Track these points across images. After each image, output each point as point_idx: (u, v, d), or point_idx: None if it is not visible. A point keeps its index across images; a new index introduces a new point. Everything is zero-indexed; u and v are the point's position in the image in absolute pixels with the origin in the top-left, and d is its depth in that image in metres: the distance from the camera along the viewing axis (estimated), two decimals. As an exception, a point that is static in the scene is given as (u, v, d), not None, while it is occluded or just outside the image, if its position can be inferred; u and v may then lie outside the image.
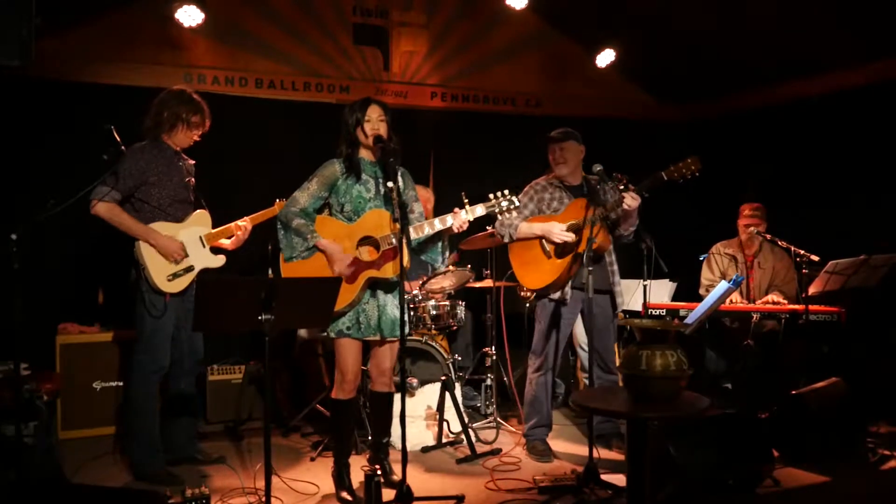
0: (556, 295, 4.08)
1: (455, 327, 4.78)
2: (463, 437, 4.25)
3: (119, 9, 4.94)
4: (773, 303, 4.77)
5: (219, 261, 3.87)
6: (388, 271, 3.41)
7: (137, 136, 3.78)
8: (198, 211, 3.89)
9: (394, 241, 3.36)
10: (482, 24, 5.96)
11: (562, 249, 4.03)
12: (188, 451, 3.95)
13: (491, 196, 3.50)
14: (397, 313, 3.47)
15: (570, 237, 3.96)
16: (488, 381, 4.84)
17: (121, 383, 4.46)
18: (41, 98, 4.69)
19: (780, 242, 4.72)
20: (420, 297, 4.61)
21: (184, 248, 3.74)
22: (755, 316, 4.70)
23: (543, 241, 4.09)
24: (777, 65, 5.54)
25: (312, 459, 4.10)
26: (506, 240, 4.18)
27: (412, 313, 4.54)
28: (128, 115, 3.84)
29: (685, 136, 6.41)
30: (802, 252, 4.45)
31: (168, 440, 3.87)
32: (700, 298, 4.89)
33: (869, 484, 3.67)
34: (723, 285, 4.09)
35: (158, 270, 3.67)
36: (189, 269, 3.75)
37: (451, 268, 4.57)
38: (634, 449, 2.95)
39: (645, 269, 4.33)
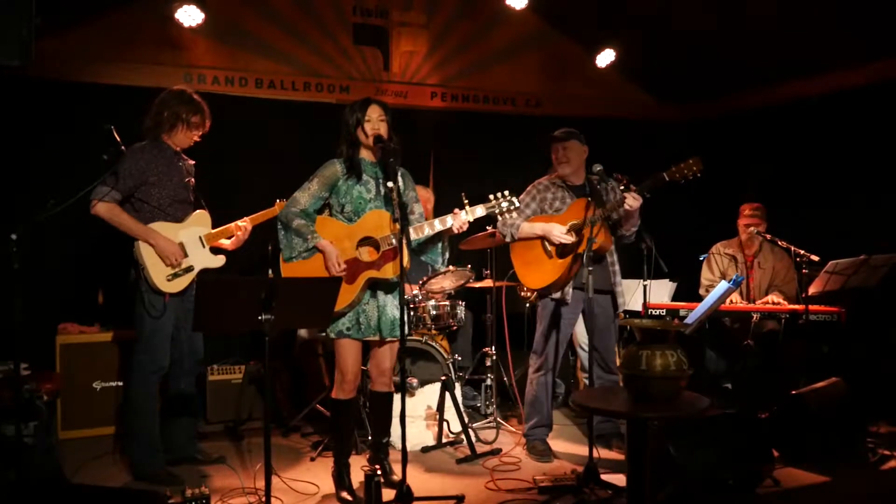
0: (557, 295, 4.08)
1: (455, 327, 4.78)
2: (463, 437, 4.25)
3: (119, 9, 4.94)
4: (773, 303, 4.77)
5: (218, 261, 3.86)
6: (388, 272, 3.41)
7: (137, 136, 3.78)
8: (197, 211, 3.89)
9: (394, 241, 3.36)
10: (482, 24, 5.96)
11: (563, 249, 4.03)
12: (188, 451, 3.95)
13: (491, 197, 3.50)
14: (397, 313, 3.47)
15: (570, 239, 3.96)
16: (488, 381, 4.84)
17: (121, 383, 4.46)
18: (41, 98, 4.69)
19: (780, 242, 4.72)
20: (420, 297, 4.61)
21: (183, 251, 3.74)
22: (755, 316, 4.70)
23: (545, 240, 4.09)
24: (777, 65, 5.54)
25: (312, 459, 4.10)
26: (507, 239, 4.18)
27: (412, 313, 4.54)
28: (128, 115, 3.84)
29: (685, 136, 6.41)
30: (802, 252, 4.45)
31: (168, 440, 3.86)
32: (700, 298, 4.89)
33: (869, 484, 3.67)
34: (723, 285, 4.09)
35: (158, 270, 3.67)
36: (189, 269, 3.74)
37: (450, 268, 4.57)
38: (634, 449, 2.95)
39: (645, 269, 4.33)
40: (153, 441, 3.74)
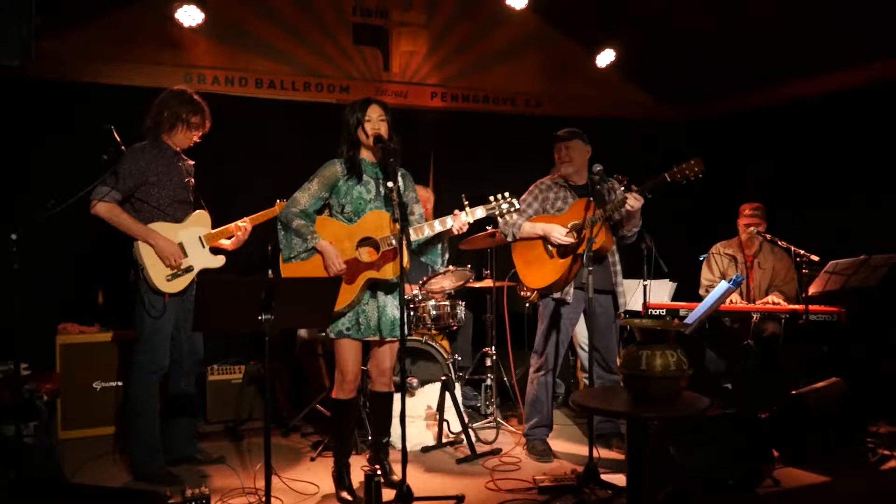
0: (558, 294, 4.08)
1: (455, 327, 4.77)
2: (463, 437, 4.25)
3: (119, 9, 4.94)
4: (773, 303, 4.77)
5: (218, 261, 3.86)
6: (388, 272, 3.41)
7: (137, 136, 3.78)
8: (197, 211, 3.89)
9: (393, 242, 3.36)
10: (482, 24, 5.96)
11: (564, 249, 4.03)
12: (188, 451, 3.95)
13: (491, 198, 3.50)
14: (397, 314, 3.47)
15: (569, 241, 3.96)
16: (488, 381, 4.85)
17: (121, 383, 4.47)
18: (41, 98, 4.69)
19: (780, 242, 4.72)
20: (420, 297, 4.61)
21: (182, 252, 3.74)
22: (755, 316, 4.70)
23: (546, 240, 4.09)
24: (777, 65, 5.54)
25: (312, 459, 4.10)
26: (509, 239, 4.18)
27: (412, 313, 4.54)
28: (128, 115, 3.85)
29: (685, 136, 6.40)
30: (802, 252, 4.45)
31: (168, 440, 3.86)
32: (700, 298, 4.88)
33: (869, 484, 3.67)
34: (723, 285, 4.09)
35: (158, 271, 3.67)
36: (188, 269, 3.74)
37: (450, 268, 4.57)
38: (634, 449, 2.95)
39: (645, 269, 4.33)
40: (153, 441, 3.74)
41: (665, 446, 3.29)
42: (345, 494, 3.50)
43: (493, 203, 3.49)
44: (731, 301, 4.74)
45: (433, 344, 4.53)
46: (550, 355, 4.15)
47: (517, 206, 3.51)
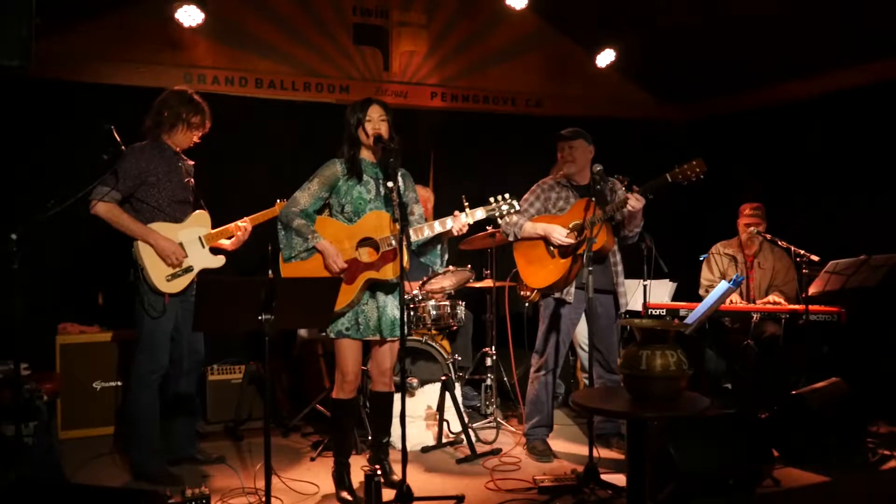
0: (559, 294, 4.08)
1: (455, 327, 4.77)
2: (463, 437, 4.25)
3: (119, 9, 4.94)
4: (773, 303, 4.77)
5: (218, 261, 3.86)
6: (388, 273, 3.41)
7: (137, 136, 3.78)
8: (197, 211, 3.89)
9: (393, 242, 3.36)
10: (482, 24, 5.96)
11: (565, 249, 4.03)
12: (188, 451, 3.95)
13: (491, 200, 3.50)
14: (397, 314, 3.47)
15: (569, 241, 3.96)
16: (488, 381, 4.84)
17: (120, 383, 4.47)
18: (41, 98, 4.69)
19: (780, 242, 4.72)
20: (420, 297, 4.61)
21: (183, 251, 3.74)
22: (755, 316, 4.70)
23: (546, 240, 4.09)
24: (776, 65, 5.54)
25: (312, 459, 4.10)
26: (510, 238, 4.18)
27: (412, 313, 4.54)
28: (128, 115, 3.85)
29: (685, 135, 6.41)
30: (802, 252, 4.45)
31: (168, 440, 3.87)
32: (700, 298, 4.88)
33: (869, 484, 3.66)
34: (723, 285, 4.09)
35: (158, 271, 3.67)
36: (188, 269, 3.74)
37: (450, 268, 4.57)
38: (634, 449, 2.95)
39: (645, 269, 4.33)
40: (153, 441, 3.74)
41: (665, 446, 3.29)
42: (345, 494, 3.50)
43: (493, 204, 3.49)
44: (731, 301, 4.74)
45: (433, 344, 4.53)
46: (551, 355, 4.15)
47: (517, 207, 3.51)
